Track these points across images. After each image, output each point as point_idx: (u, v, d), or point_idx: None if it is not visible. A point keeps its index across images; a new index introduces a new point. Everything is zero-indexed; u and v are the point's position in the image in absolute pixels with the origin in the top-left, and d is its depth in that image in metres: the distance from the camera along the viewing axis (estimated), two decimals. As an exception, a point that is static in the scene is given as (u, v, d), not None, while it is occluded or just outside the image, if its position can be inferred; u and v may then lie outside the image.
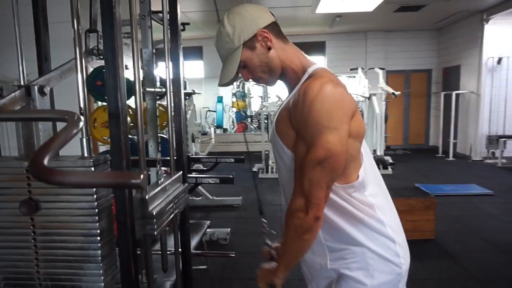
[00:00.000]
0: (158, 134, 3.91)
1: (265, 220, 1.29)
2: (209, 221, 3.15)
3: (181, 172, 1.47)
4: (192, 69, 9.52)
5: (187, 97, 4.85)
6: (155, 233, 1.10)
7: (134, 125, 1.37)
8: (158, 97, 3.48)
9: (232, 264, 3.12)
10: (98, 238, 0.96)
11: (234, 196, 5.02)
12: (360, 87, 6.73)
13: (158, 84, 3.50)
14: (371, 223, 1.00)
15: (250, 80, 1.07)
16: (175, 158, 1.49)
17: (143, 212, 1.07)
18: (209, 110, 9.99)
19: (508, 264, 3.03)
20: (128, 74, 1.29)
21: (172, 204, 1.29)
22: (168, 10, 1.40)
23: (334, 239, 1.02)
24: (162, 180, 1.28)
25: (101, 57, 1.40)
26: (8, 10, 1.21)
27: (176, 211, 1.35)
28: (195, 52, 9.16)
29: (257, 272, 1.13)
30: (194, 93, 4.67)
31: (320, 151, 0.89)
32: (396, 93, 6.48)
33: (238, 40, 0.99)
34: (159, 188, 1.20)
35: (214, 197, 4.98)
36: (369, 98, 6.64)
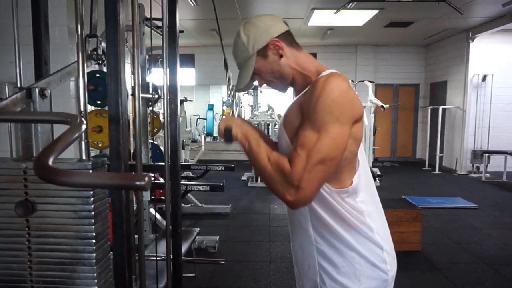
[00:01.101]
0: (149, 141, 3.91)
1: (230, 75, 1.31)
2: (198, 229, 3.14)
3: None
4: (184, 77, 9.54)
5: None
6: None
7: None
8: (149, 104, 3.49)
9: (221, 272, 3.11)
10: (94, 241, 0.96)
11: (224, 204, 5.01)
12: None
13: (150, 90, 3.51)
14: (361, 229, 1.02)
15: (264, 85, 1.12)
16: (169, 163, 1.50)
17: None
18: (200, 118, 9.99)
19: (491, 276, 3.10)
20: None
21: None
22: (167, 17, 1.43)
23: (324, 241, 1.04)
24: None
25: (100, 61, 1.41)
26: (6, 13, 1.22)
27: None
28: (187, 59, 9.18)
29: (222, 117, 1.13)
30: (186, 100, 4.68)
31: (328, 139, 0.90)
32: (385, 106, 6.60)
33: (252, 49, 1.05)
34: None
35: (203, 205, 4.96)
36: (358, 110, 6.74)
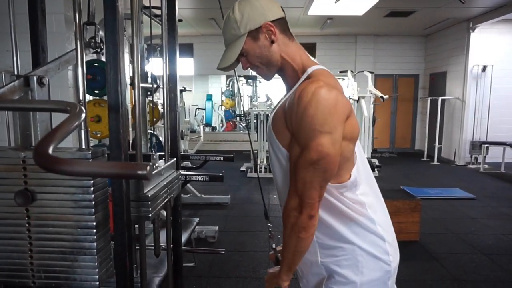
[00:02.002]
0: (148, 131, 3.89)
1: (270, 224, 1.31)
2: (198, 219, 3.15)
3: (175, 159, 1.48)
4: (183, 66, 9.48)
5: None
6: (150, 215, 1.10)
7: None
8: (148, 93, 3.47)
9: (220, 262, 3.13)
10: (94, 230, 0.96)
11: (223, 195, 5.02)
12: (349, 89, 6.82)
13: (149, 80, 3.48)
14: (362, 222, 1.02)
15: (248, 68, 1.08)
16: (169, 153, 1.49)
17: (138, 195, 1.07)
18: (199, 108, 9.96)
19: (488, 266, 3.13)
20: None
21: (166, 189, 1.30)
22: (166, 5, 1.41)
23: (325, 236, 1.04)
24: (157, 165, 1.28)
25: (98, 50, 1.39)
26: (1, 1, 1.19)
27: (170, 197, 1.36)
28: (185, 49, 9.10)
29: (265, 277, 1.15)
30: (185, 90, 4.65)
31: (312, 153, 0.91)
32: (385, 96, 6.58)
33: (244, 28, 1.00)
34: (154, 171, 1.21)
35: (203, 195, 4.97)
36: (357, 100, 6.74)
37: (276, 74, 1.09)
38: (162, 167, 1.30)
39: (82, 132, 0.96)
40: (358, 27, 8.07)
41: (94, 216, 0.95)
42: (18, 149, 0.97)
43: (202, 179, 3.36)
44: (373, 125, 7.31)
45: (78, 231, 0.96)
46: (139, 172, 0.56)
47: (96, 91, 2.87)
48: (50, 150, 0.62)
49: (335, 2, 5.51)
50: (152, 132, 3.85)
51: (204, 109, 9.91)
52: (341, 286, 1.02)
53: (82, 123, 0.96)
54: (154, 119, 4.16)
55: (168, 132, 1.46)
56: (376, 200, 1.09)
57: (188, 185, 5.05)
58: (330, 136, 0.91)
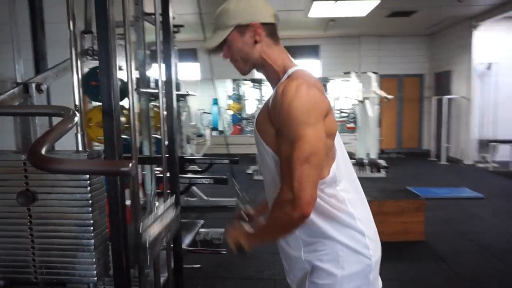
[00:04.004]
0: (153, 135, 3.97)
1: (238, 186, 1.34)
2: (203, 221, 3.20)
3: (174, 195, 1.49)
4: (188, 71, 9.57)
5: (182, 99, 4.89)
6: (148, 264, 1.14)
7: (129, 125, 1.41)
8: (153, 98, 3.54)
9: (226, 263, 3.16)
10: (91, 228, 1.01)
11: (229, 197, 5.06)
12: (353, 90, 6.83)
13: (152, 85, 3.55)
14: (341, 217, 1.05)
15: (228, 59, 1.12)
16: (167, 156, 1.54)
17: (137, 241, 1.09)
18: (205, 112, 10.04)
19: (496, 266, 3.10)
20: (122, 75, 1.35)
21: (165, 231, 1.31)
22: (160, 12, 1.46)
23: (307, 233, 1.07)
24: (156, 210, 1.29)
25: (96, 57, 1.45)
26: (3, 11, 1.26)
27: (168, 234, 1.38)
28: (190, 54, 9.20)
29: (228, 227, 1.16)
30: (188, 94, 4.70)
31: (305, 144, 0.94)
32: (389, 97, 6.57)
33: (234, 19, 1.06)
34: (154, 220, 1.23)
35: (209, 198, 5.02)
36: (362, 101, 6.74)
37: (261, 74, 1.14)
38: (161, 212, 1.31)
39: (79, 135, 1.01)
40: (361, 28, 8.08)
41: (91, 215, 1.00)
42: (19, 152, 1.03)
43: (207, 182, 3.43)
44: (379, 126, 7.29)
45: (76, 229, 1.01)
46: (122, 169, 0.61)
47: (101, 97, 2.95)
48: (43, 150, 0.67)
49: (335, 2, 5.51)
50: (157, 136, 3.93)
51: (210, 113, 9.98)
52: (323, 280, 1.05)
53: (79, 127, 1.01)
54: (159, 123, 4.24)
55: (163, 134, 1.50)
56: (357, 196, 1.12)
57: (195, 188, 5.11)
58: (315, 128, 0.95)
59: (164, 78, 1.50)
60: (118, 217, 1.01)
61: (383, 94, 6.62)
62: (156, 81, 3.80)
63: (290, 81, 1.00)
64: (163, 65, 1.48)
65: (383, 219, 3.48)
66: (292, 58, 1.12)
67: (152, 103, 3.87)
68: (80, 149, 1.03)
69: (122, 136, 1.00)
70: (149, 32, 2.48)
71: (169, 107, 1.53)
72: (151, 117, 3.80)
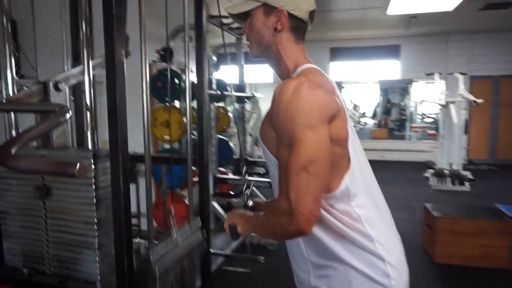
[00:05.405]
0: (217, 136, 4.06)
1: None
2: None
3: (199, 217, 1.42)
4: (261, 74, 9.67)
5: (246, 101, 4.91)
6: None
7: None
8: (215, 100, 3.61)
9: (275, 271, 3.07)
10: (95, 227, 1.01)
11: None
12: (435, 93, 6.18)
13: (214, 87, 3.61)
14: (356, 238, 0.89)
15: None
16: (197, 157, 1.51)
17: (147, 269, 1.06)
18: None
19: None
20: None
21: (181, 259, 1.25)
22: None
23: (316, 254, 0.94)
24: (173, 235, 1.23)
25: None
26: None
27: (189, 261, 1.30)
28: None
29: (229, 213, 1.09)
30: (253, 96, 4.70)
31: (302, 149, 0.82)
32: (478, 101, 5.80)
33: None
34: (166, 249, 1.18)
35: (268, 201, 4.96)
36: (445, 105, 6.07)
37: (272, 69, 1.06)
38: (176, 239, 1.23)
39: (88, 132, 1.02)
40: (449, 24, 7.28)
41: (95, 213, 1.01)
42: (38, 148, 1.08)
43: (262, 185, 3.42)
44: (466, 133, 6.50)
45: (81, 226, 1.03)
46: (69, 170, 0.57)
47: (167, 98, 3.07)
48: (15, 148, 0.67)
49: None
50: (222, 138, 4.00)
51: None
52: None
53: (89, 124, 1.02)
54: (224, 125, 4.31)
55: (202, 137, 1.47)
56: (378, 214, 0.94)
57: (256, 190, 5.09)
58: (315, 131, 0.82)
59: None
60: (120, 218, 1.00)
61: (471, 97, 5.87)
62: (221, 83, 3.87)
63: (290, 80, 0.88)
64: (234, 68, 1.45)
65: (455, 239, 3.07)
66: (310, 59, 1.00)
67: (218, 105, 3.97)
68: (89, 146, 1.04)
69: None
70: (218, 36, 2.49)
71: (200, 108, 1.50)
72: (212, 118, 3.87)
